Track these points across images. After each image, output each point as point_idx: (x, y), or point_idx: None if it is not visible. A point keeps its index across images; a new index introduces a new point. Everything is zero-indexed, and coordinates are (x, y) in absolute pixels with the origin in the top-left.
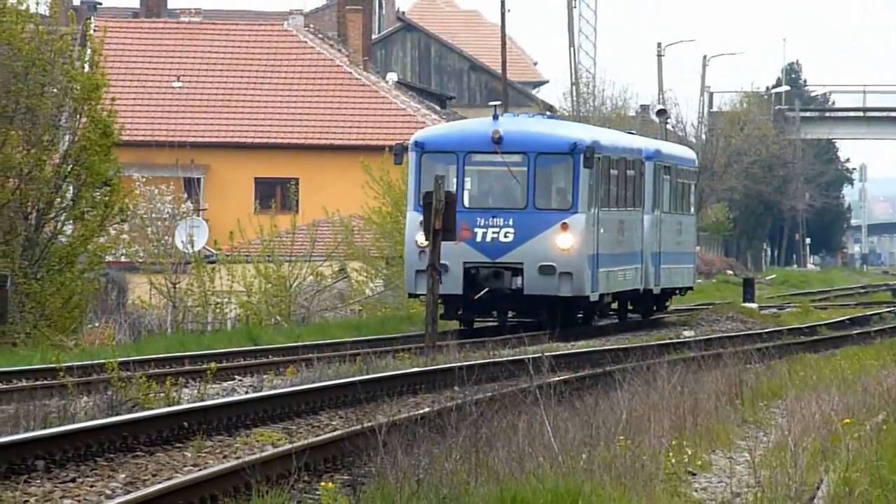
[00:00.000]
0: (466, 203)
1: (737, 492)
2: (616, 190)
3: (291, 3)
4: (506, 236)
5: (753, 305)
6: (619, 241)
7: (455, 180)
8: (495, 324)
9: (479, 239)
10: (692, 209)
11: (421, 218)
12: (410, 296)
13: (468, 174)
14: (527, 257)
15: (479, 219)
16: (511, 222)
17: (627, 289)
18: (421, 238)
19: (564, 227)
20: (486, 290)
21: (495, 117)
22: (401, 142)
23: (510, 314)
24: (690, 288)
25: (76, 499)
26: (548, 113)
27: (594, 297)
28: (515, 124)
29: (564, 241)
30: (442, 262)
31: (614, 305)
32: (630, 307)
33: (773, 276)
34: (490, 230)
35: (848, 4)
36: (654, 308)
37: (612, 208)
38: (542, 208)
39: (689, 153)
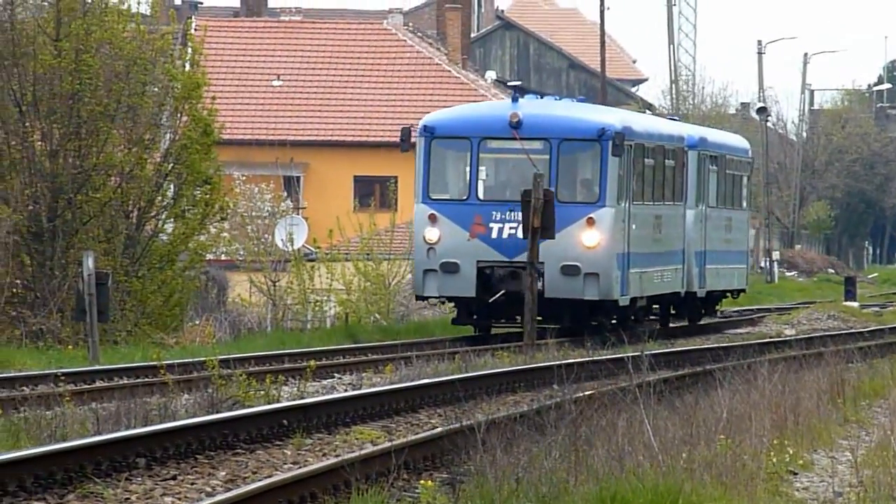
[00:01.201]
0: (481, 195)
1: (839, 491)
2: (652, 181)
3: (391, 1)
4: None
5: (855, 304)
6: (656, 238)
7: (468, 169)
8: (519, 330)
9: (494, 235)
10: (744, 203)
11: (430, 211)
12: (418, 298)
13: (483, 162)
14: (548, 256)
15: (494, 213)
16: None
17: (666, 292)
18: (430, 234)
19: (590, 222)
20: (502, 292)
21: (514, 99)
22: (408, 125)
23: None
24: (742, 290)
25: (177, 496)
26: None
27: (624, 301)
28: (536, 107)
29: (590, 238)
30: (453, 260)
31: (655, 308)
32: (673, 312)
33: (875, 274)
34: (507, 226)
35: None
36: (703, 312)
37: (647, 202)
38: (566, 201)
39: (740, 142)
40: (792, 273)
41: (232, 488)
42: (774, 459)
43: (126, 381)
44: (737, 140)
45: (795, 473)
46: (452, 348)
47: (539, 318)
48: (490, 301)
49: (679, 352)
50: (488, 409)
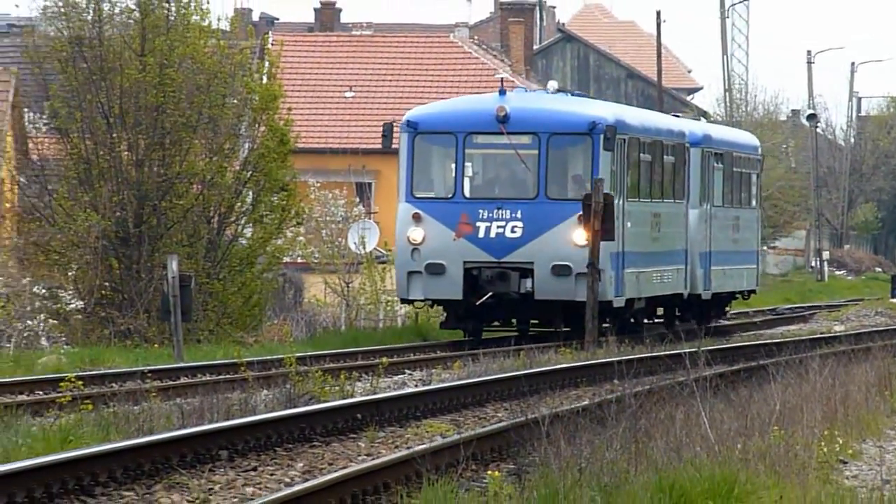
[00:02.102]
0: (467, 193)
1: (886, 479)
2: (649, 177)
3: (457, 15)
4: (513, 231)
5: None
6: (654, 237)
7: (454, 166)
8: (515, 334)
9: (482, 235)
10: (753, 202)
11: (414, 210)
12: (402, 301)
13: (469, 159)
14: (538, 256)
15: (482, 211)
16: (519, 215)
17: (666, 293)
18: (415, 234)
19: (581, 220)
20: (491, 294)
21: (502, 92)
22: (390, 121)
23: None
24: (753, 291)
25: (257, 486)
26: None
27: (619, 303)
28: (525, 100)
29: (581, 236)
30: (439, 261)
31: (660, 311)
32: (678, 314)
33: None
34: (495, 224)
35: None
36: (711, 314)
37: (644, 199)
38: (556, 198)
39: (749, 138)
40: (841, 272)
41: (309, 479)
42: (825, 449)
43: (209, 378)
44: (745, 137)
45: (845, 462)
46: (518, 345)
47: (528, 320)
48: (478, 303)
49: (734, 347)
50: (552, 403)
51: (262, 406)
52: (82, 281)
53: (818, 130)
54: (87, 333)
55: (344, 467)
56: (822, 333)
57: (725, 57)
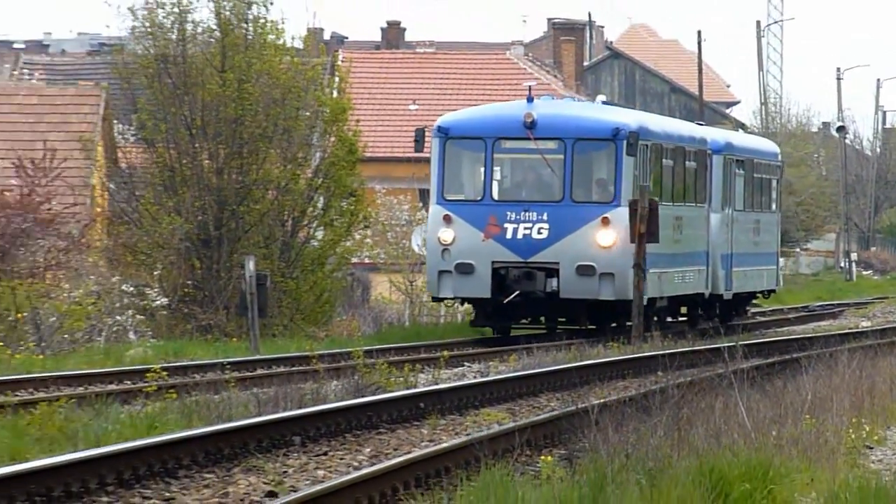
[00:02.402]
0: (496, 195)
1: None
2: (672, 182)
3: (513, 34)
4: (539, 233)
5: None
6: (676, 239)
7: (483, 170)
8: (544, 331)
9: (509, 236)
10: (774, 206)
11: (445, 212)
12: (434, 299)
13: (497, 163)
14: (563, 256)
15: (509, 213)
16: (545, 217)
17: (688, 293)
18: (445, 235)
19: (605, 221)
20: (517, 293)
21: (529, 99)
22: (422, 126)
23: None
24: (773, 291)
25: (328, 469)
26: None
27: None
28: (551, 107)
29: (605, 237)
30: (468, 261)
31: (683, 310)
32: (701, 312)
33: None
34: (522, 226)
35: None
36: (733, 313)
37: (666, 202)
38: (581, 201)
39: (769, 146)
40: (868, 272)
41: (376, 463)
42: (853, 436)
43: (283, 370)
44: (766, 144)
45: (871, 448)
46: (569, 340)
47: (554, 318)
48: (505, 302)
49: (769, 342)
50: (600, 394)
51: (333, 395)
52: (167, 280)
53: (846, 141)
54: (171, 328)
55: (408, 452)
56: (850, 329)
57: (761, 73)
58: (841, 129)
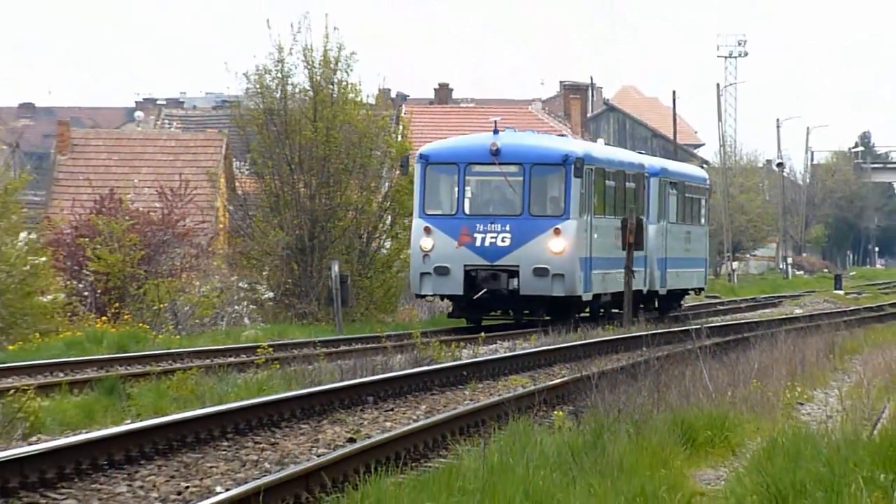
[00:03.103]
0: (467, 210)
1: (829, 415)
2: (613, 199)
3: (534, 93)
4: (503, 241)
5: (841, 292)
6: (618, 246)
7: (456, 189)
8: (512, 321)
9: (478, 244)
10: (703, 220)
11: (425, 224)
12: (417, 296)
13: (468, 183)
14: (522, 260)
15: (478, 225)
16: (508, 228)
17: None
18: (425, 243)
19: (557, 232)
20: (485, 290)
21: (495, 132)
22: (406, 154)
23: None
24: (702, 288)
25: (394, 421)
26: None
27: (587, 297)
28: (512, 138)
29: (557, 244)
30: (445, 264)
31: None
32: (642, 306)
33: (854, 272)
34: (489, 235)
35: None
36: (669, 306)
37: (609, 216)
38: (537, 215)
39: (699, 172)
40: (800, 272)
41: (430, 416)
42: (788, 395)
43: (360, 346)
44: (696, 171)
45: (802, 404)
46: (576, 325)
47: (515, 311)
48: (475, 298)
49: (726, 325)
50: (600, 364)
51: (397, 365)
52: (272, 278)
53: (784, 174)
54: (275, 315)
55: (454, 408)
56: (786, 315)
57: (720, 122)
58: (780, 164)
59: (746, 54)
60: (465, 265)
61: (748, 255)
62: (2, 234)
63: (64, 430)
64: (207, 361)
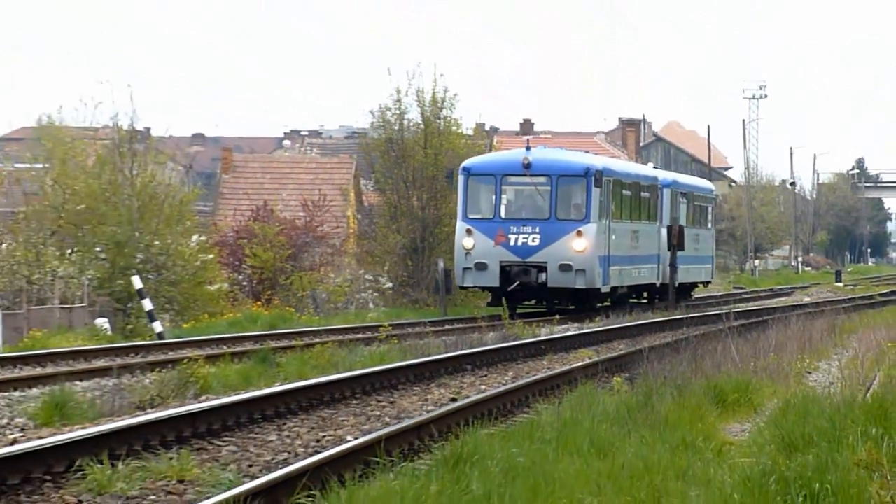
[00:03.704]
0: (503, 215)
1: (831, 382)
2: (630, 206)
3: (598, 126)
4: (533, 241)
5: (840, 284)
6: (633, 246)
7: (494, 197)
8: (545, 310)
9: (512, 243)
10: (709, 224)
11: (467, 226)
12: (461, 288)
13: (504, 192)
14: (550, 257)
15: (512, 227)
16: (537, 230)
17: (644, 283)
18: (467, 242)
19: (579, 233)
20: (517, 283)
21: (528, 148)
22: (451, 167)
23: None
24: (709, 282)
25: (488, 385)
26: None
27: (605, 290)
28: (542, 154)
29: (579, 244)
30: (483, 261)
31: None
32: (657, 297)
33: (851, 269)
34: (521, 236)
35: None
36: (682, 296)
37: (626, 220)
38: (562, 219)
39: (706, 184)
40: (808, 268)
41: (516, 381)
42: (798, 366)
43: (460, 326)
44: (704, 183)
45: (809, 373)
46: (630, 308)
47: (543, 301)
48: (509, 290)
49: (749, 310)
50: (650, 340)
51: (490, 341)
52: (391, 272)
53: (796, 191)
54: (394, 301)
55: (534, 375)
56: (797, 302)
57: (745, 150)
58: (792, 183)
59: (766, 96)
60: (500, 261)
61: (767, 255)
62: (178, 236)
63: (227, 391)
64: (340, 337)
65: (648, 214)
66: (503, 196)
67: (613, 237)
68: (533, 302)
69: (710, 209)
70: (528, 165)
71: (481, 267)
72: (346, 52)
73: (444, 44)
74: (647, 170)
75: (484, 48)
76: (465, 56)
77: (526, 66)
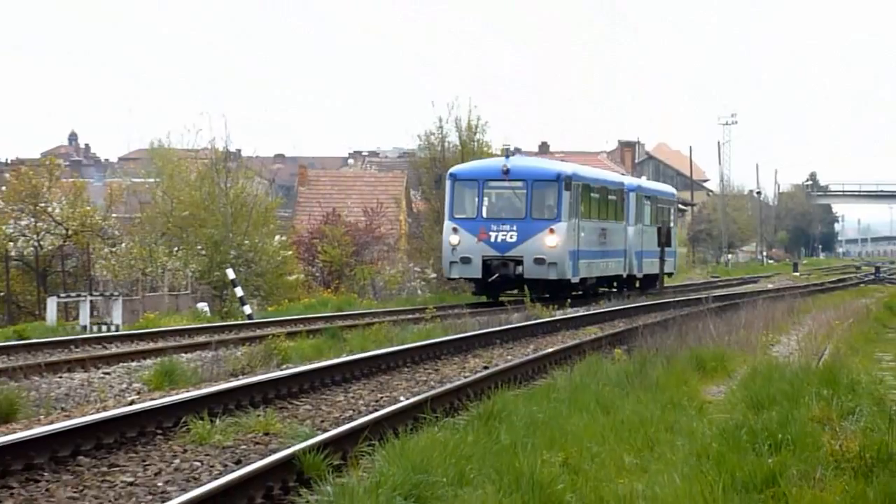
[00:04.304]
0: (485, 214)
1: (790, 352)
2: (598, 207)
3: (600, 146)
4: (511, 238)
5: (797, 274)
6: (602, 242)
7: (476, 199)
8: (526, 297)
9: (492, 240)
10: (672, 224)
11: (453, 225)
12: (448, 279)
13: (486, 195)
14: (526, 252)
15: (492, 226)
16: (515, 228)
17: (612, 274)
18: (453, 239)
19: (551, 231)
20: (497, 275)
21: (506, 156)
22: (440, 173)
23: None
24: (672, 273)
25: (513, 355)
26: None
27: (575, 280)
28: (519, 161)
29: (551, 240)
30: (468, 255)
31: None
32: (625, 286)
33: (806, 261)
34: (500, 233)
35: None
36: (646, 287)
37: (594, 219)
38: (537, 218)
39: (668, 189)
40: (771, 261)
41: (536, 352)
42: (764, 339)
43: (488, 309)
44: (666, 188)
45: (773, 346)
46: (627, 294)
47: (520, 290)
48: (489, 280)
49: (724, 294)
50: (644, 319)
51: (515, 320)
52: (435, 265)
53: (761, 198)
54: (437, 288)
55: (551, 348)
56: (762, 288)
57: (720, 165)
58: (758, 192)
59: (736, 122)
60: (482, 256)
61: (738, 250)
62: (263, 237)
63: (303, 361)
64: (393, 318)
65: (615, 214)
66: (485, 198)
67: (582, 234)
68: (516, 291)
69: (672, 210)
70: (506, 172)
71: (466, 261)
72: (346, 53)
73: (444, 44)
74: (615, 175)
75: (484, 48)
76: (465, 56)
77: (526, 66)
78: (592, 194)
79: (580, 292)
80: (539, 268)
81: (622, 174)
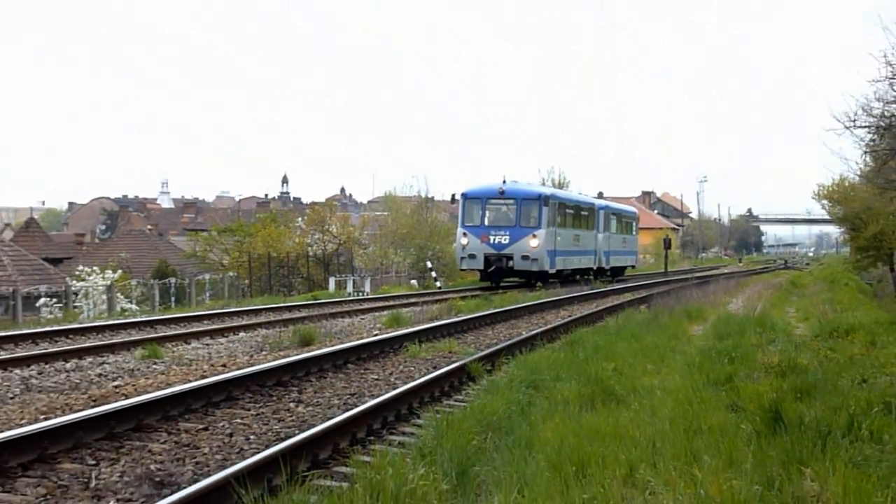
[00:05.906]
0: (486, 223)
1: (738, 308)
2: (572, 220)
3: (630, 192)
4: (505, 240)
5: (741, 264)
6: (576, 244)
7: (480, 212)
8: (512, 284)
9: (492, 242)
10: (633, 232)
11: (464, 231)
12: (461, 270)
13: (487, 209)
14: (515, 251)
15: (492, 232)
16: (508, 233)
17: (584, 267)
18: (464, 241)
19: (534, 236)
20: (495, 267)
21: (504, 182)
22: (454, 193)
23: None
24: (633, 266)
25: (584, 309)
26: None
27: (552, 271)
28: (513, 186)
29: (534, 242)
30: (474, 253)
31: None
32: (595, 276)
33: (746, 258)
34: (497, 237)
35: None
36: (614, 277)
37: (568, 228)
38: (524, 226)
39: (631, 209)
40: (727, 257)
41: (598, 307)
42: (723, 300)
43: (570, 284)
44: (629, 208)
45: (728, 304)
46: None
47: (512, 278)
48: (489, 271)
49: (700, 276)
50: (656, 290)
51: (584, 290)
52: None
53: (721, 223)
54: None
55: (605, 305)
56: (722, 273)
57: (698, 205)
58: (718, 219)
59: (707, 180)
60: (484, 253)
61: (709, 252)
62: (445, 244)
63: (470, 312)
64: (519, 290)
65: (588, 225)
66: (486, 212)
67: (559, 238)
68: (513, 280)
69: (634, 224)
70: (502, 192)
71: (472, 257)
72: (345, 53)
73: (444, 44)
74: (588, 198)
75: (484, 48)
76: (465, 56)
77: (526, 66)
78: (567, 210)
79: (557, 280)
80: (525, 262)
81: (601, 199)
